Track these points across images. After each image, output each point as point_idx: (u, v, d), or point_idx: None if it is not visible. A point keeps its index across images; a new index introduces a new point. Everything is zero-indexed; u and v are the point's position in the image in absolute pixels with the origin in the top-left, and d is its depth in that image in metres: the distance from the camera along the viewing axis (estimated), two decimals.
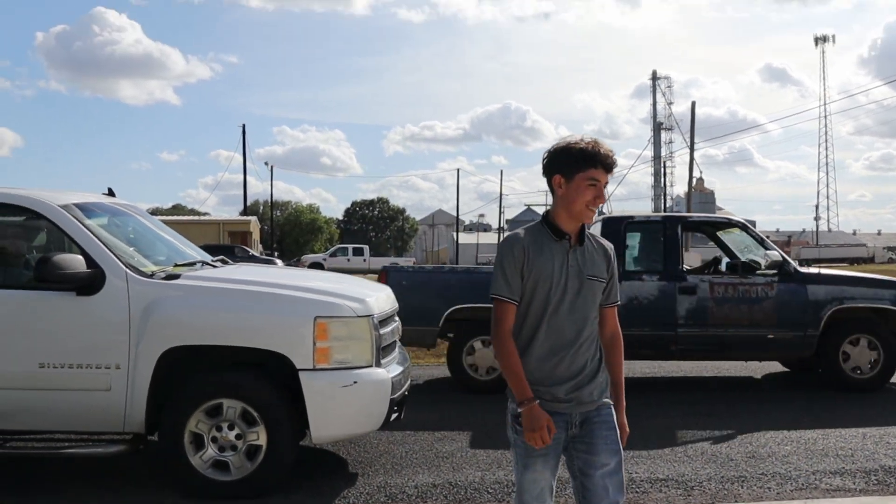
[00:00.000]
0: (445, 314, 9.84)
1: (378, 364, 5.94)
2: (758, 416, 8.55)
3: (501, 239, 3.70)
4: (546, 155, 3.46)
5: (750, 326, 9.78)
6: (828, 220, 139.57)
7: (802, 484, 6.20)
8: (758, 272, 9.93)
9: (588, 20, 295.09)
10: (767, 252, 10.11)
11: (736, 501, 5.82)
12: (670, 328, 9.80)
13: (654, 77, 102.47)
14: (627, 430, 3.57)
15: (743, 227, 10.77)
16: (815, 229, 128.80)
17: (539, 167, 3.54)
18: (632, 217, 10.65)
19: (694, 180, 52.03)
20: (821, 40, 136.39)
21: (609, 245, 3.58)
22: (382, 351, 6.08)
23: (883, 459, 6.82)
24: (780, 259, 9.91)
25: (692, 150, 48.24)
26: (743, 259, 10.42)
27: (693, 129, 47.89)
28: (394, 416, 6.12)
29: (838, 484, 6.19)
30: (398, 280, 9.78)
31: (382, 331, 6.11)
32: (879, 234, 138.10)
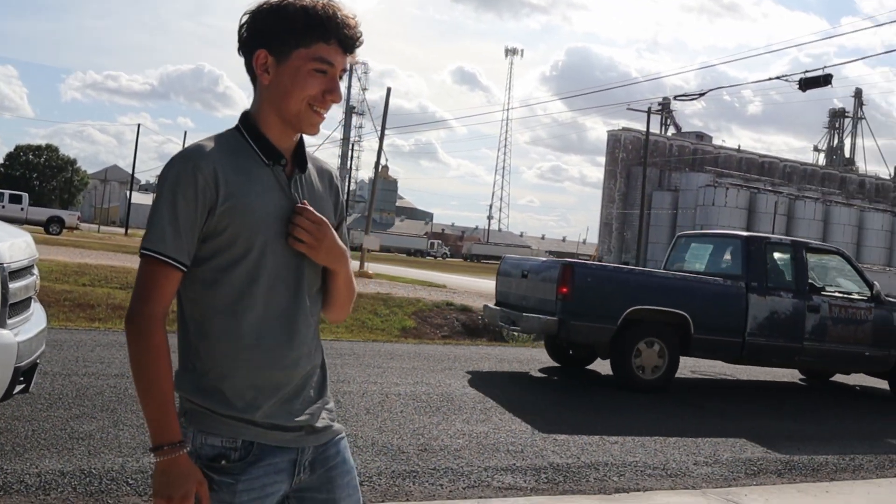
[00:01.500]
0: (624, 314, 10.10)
1: (3, 324, 4.86)
2: (429, 406, 8.27)
3: (174, 156, 2.12)
4: (245, 17, 2.08)
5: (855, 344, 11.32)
6: (499, 220, 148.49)
7: (475, 481, 5.89)
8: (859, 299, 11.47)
9: None
10: (864, 281, 11.70)
11: (407, 500, 5.37)
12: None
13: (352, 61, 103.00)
14: None
15: (844, 256, 12.13)
16: (487, 227, 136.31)
17: None
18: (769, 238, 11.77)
19: (380, 167, 52.66)
20: (511, 52, 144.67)
21: (333, 169, 2.31)
22: (12, 308, 5.00)
23: (551, 457, 6.72)
24: (877, 289, 11.59)
25: (382, 137, 48.68)
26: (836, 285, 11.82)
27: (385, 117, 48.30)
28: (19, 387, 5.06)
29: (510, 482, 5.95)
30: (584, 277, 10.24)
31: (14, 285, 5.01)
32: (543, 238, 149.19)
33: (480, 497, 5.55)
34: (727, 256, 11.76)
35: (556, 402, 9.04)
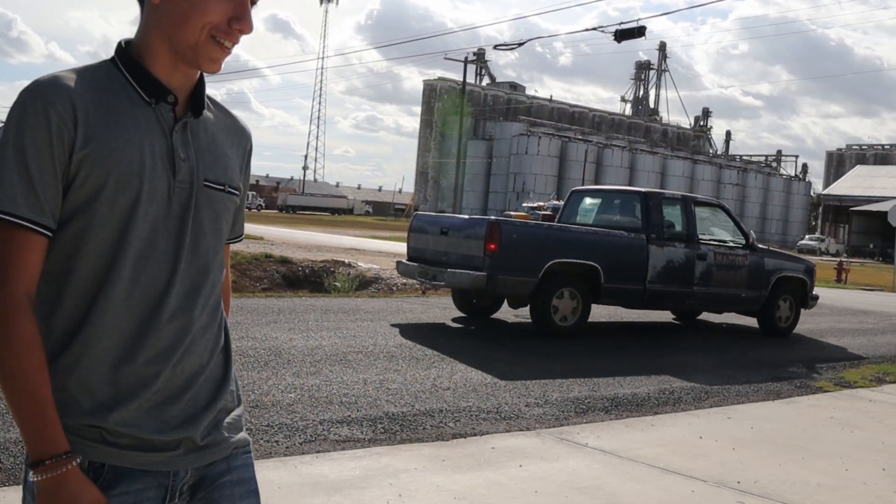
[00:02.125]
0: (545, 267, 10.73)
1: None
2: (257, 361, 8.01)
3: (22, 91, 1.65)
4: None
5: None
6: (314, 171, 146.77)
7: (311, 435, 5.72)
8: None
9: None
10: (740, 231, 13.00)
11: None
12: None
13: None
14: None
15: (724, 208, 13.44)
16: (302, 178, 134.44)
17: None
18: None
19: None
20: (325, 0, 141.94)
21: (249, 130, 1.89)
22: None
23: (386, 406, 6.63)
24: (752, 237, 13.03)
25: None
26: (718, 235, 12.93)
27: None
28: None
29: (347, 434, 5.83)
30: (510, 234, 10.82)
31: None
32: (359, 188, 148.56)
33: (318, 451, 5.40)
34: (626, 211, 12.71)
35: (386, 352, 8.97)
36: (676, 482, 5.25)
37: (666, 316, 14.52)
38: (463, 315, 12.42)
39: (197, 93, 1.72)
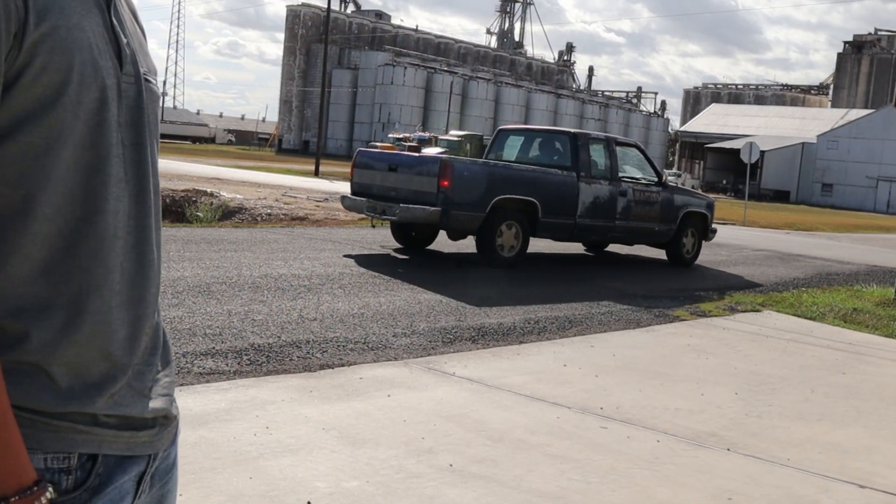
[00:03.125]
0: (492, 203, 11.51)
1: None
2: None
3: None
4: None
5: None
6: (174, 98, 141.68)
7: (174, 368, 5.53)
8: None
9: None
10: (653, 169, 14.12)
11: None
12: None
13: None
14: None
15: (640, 148, 14.50)
16: (161, 105, 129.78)
17: None
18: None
19: None
20: None
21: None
22: None
23: (251, 338, 6.49)
24: (665, 176, 14.52)
25: None
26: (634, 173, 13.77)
27: None
28: None
29: (211, 366, 5.67)
30: (461, 172, 11.51)
31: None
32: (221, 116, 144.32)
33: (182, 384, 5.23)
34: (555, 150, 13.49)
35: (251, 283, 8.77)
36: (542, 409, 5.35)
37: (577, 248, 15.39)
38: (399, 247, 12.93)
39: None
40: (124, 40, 1.23)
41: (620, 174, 13.34)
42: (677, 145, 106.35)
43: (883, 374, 7.41)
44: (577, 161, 12.75)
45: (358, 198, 12.43)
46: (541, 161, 13.32)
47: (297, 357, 6.12)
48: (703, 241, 14.86)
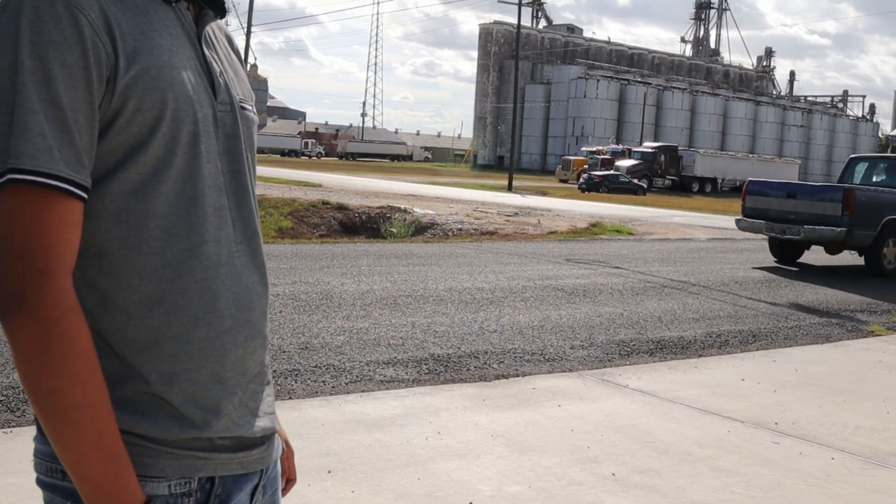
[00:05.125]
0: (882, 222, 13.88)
1: None
2: (309, 304, 8.21)
3: None
4: None
5: None
6: (373, 118, 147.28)
7: (357, 376, 5.91)
8: None
9: None
10: None
11: (290, 397, 5.35)
12: None
13: None
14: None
15: None
16: (361, 125, 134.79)
17: None
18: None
19: (248, 65, 51.09)
20: None
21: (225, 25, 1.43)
22: None
23: (432, 348, 6.79)
24: None
25: (249, 33, 47.16)
26: None
27: (251, 12, 46.77)
28: None
29: (392, 375, 6.00)
30: (860, 198, 13.82)
31: None
32: (418, 134, 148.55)
33: (363, 391, 5.58)
34: None
35: (436, 296, 9.12)
36: (713, 423, 5.33)
37: None
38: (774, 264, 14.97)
39: None
40: (217, 69, 1.28)
41: None
42: (888, 151, 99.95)
43: None
44: None
45: (756, 220, 14.78)
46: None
47: (474, 367, 6.35)
48: None
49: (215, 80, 1.26)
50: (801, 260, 15.38)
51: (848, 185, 14.71)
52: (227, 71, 1.31)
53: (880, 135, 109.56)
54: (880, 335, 8.75)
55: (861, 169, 16.36)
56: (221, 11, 1.33)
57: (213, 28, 1.33)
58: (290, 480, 1.56)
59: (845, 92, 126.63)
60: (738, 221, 15.32)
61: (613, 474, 4.32)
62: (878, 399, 6.15)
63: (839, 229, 13.62)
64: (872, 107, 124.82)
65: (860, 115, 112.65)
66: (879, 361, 7.44)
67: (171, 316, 1.19)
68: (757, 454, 4.79)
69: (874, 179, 15.69)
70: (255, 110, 1.40)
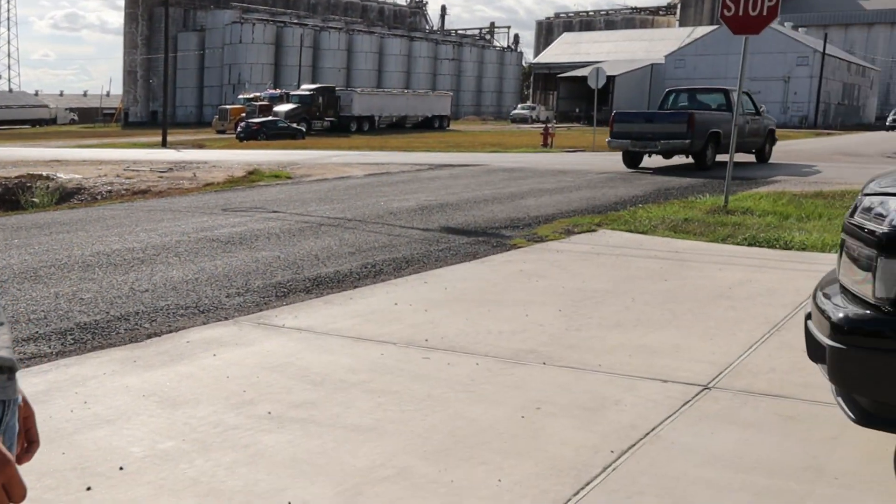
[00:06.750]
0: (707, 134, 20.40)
1: None
2: None
3: None
4: None
5: None
6: (9, 80, 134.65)
7: None
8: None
9: None
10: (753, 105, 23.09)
11: None
12: None
13: None
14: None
15: (748, 94, 22.33)
16: None
17: None
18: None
19: None
20: None
21: None
22: None
23: (78, 317, 6.39)
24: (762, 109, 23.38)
25: None
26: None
27: None
28: None
29: (33, 351, 5.57)
30: (698, 119, 20.01)
31: None
32: (62, 94, 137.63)
33: None
34: (714, 100, 22.28)
35: (82, 262, 8.57)
36: (367, 348, 5.49)
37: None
38: None
39: None
40: None
41: (746, 110, 20.65)
42: (531, 78, 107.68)
43: (703, 277, 7.82)
44: (729, 105, 20.87)
45: (622, 140, 20.38)
46: (705, 107, 21.70)
47: (124, 330, 6.06)
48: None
49: None
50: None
51: (690, 111, 20.45)
52: None
53: (524, 63, 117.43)
54: (521, 247, 9.44)
55: (671, 98, 22.80)
56: None
57: None
58: (32, 442, 1.57)
59: (492, 24, 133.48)
60: (608, 142, 20.98)
61: (269, 413, 4.33)
62: (519, 305, 6.64)
63: (686, 141, 19.52)
64: (517, 37, 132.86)
65: (506, 46, 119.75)
66: (520, 271, 8.03)
67: None
68: (408, 371, 5.01)
69: (680, 105, 21.97)
70: None
